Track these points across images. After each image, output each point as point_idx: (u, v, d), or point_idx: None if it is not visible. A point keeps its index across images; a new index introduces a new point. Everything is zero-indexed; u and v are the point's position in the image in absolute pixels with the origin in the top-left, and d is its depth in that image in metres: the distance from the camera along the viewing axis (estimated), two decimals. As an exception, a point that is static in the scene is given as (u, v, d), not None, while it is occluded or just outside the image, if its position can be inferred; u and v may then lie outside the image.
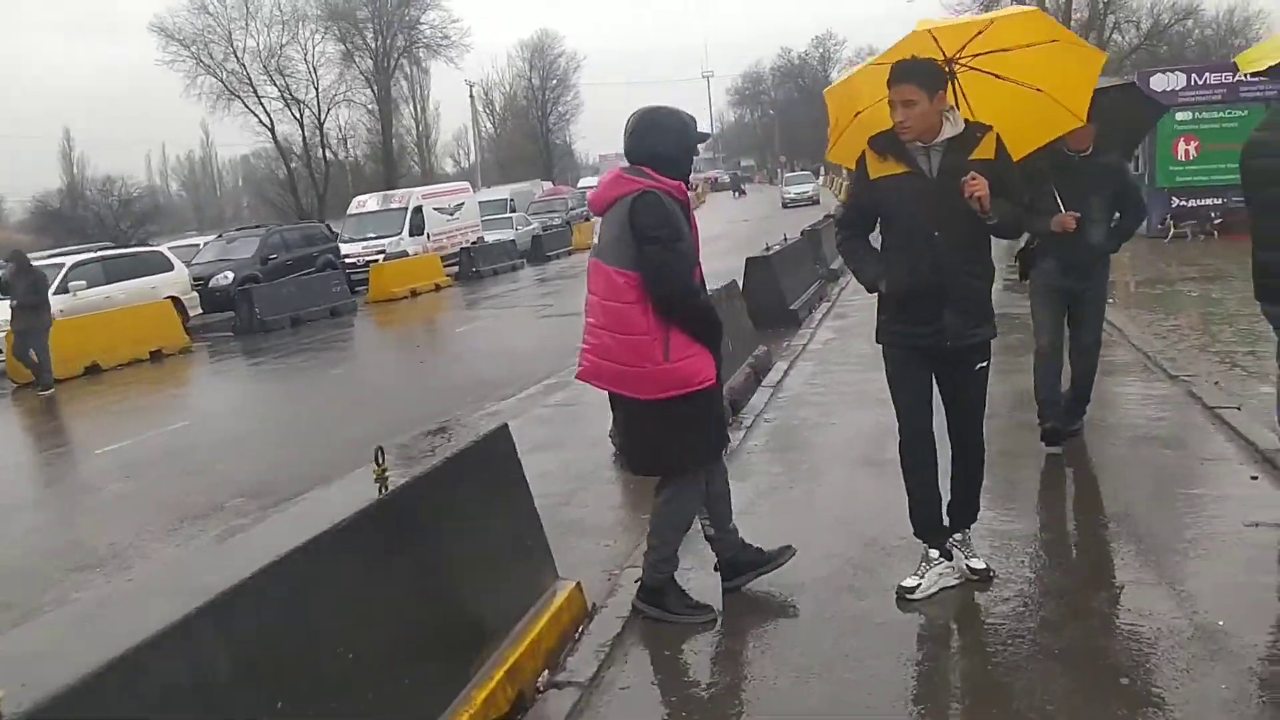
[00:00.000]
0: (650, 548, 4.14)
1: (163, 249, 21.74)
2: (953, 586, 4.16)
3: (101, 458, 9.25)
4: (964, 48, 4.41)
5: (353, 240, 26.80)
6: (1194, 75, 17.65)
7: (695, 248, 3.95)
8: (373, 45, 53.32)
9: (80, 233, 43.06)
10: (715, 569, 4.39)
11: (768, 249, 13.42)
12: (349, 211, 29.40)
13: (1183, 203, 17.66)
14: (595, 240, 3.96)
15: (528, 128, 72.27)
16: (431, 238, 27.90)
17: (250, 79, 46.93)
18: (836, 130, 4.56)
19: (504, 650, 3.66)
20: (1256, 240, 4.70)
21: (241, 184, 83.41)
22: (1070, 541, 4.70)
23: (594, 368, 3.95)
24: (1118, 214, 5.74)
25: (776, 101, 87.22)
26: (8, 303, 13.86)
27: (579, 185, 55.67)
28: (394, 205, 28.30)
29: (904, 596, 4.09)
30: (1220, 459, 5.54)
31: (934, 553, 4.20)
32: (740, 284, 10.97)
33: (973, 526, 4.37)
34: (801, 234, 16.42)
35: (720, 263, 16.65)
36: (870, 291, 4.17)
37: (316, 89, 49.49)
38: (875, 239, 4.18)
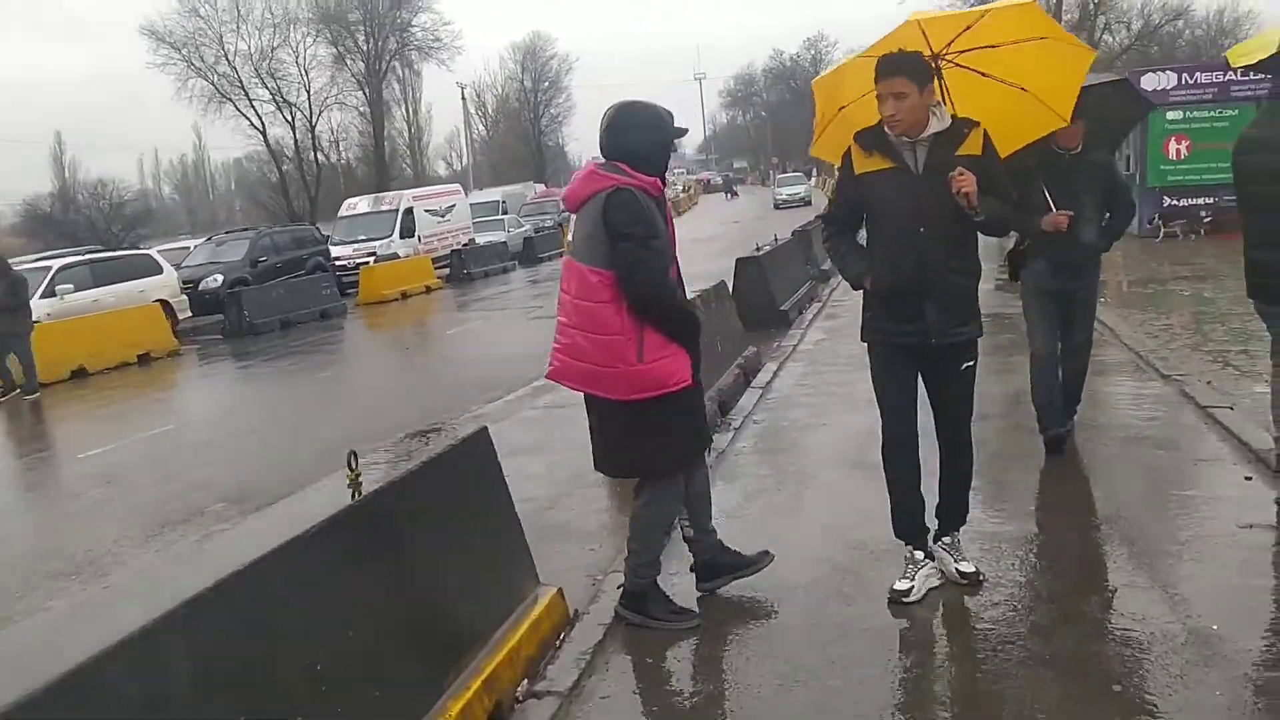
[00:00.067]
0: (631, 552, 4.05)
1: (151, 252, 21.62)
2: (937, 586, 4.10)
3: (83, 463, 9.13)
4: (951, 43, 4.33)
5: (343, 242, 26.71)
6: (1185, 75, 17.63)
7: (671, 245, 3.87)
8: (364, 48, 53.24)
9: (71, 236, 42.85)
10: (691, 569, 4.31)
11: (758, 249, 13.34)
12: (340, 214, 29.34)
13: (1174, 202, 17.64)
14: (570, 238, 3.87)
15: (520, 130, 72.18)
16: (422, 240, 27.83)
17: (242, 82, 46.85)
18: (821, 124, 4.48)
19: (481, 659, 3.56)
20: (1248, 238, 4.64)
21: (234, 187, 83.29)
22: (1061, 544, 4.61)
23: (564, 367, 3.86)
24: (1107, 213, 5.66)
25: (769, 103, 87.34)
26: None
27: (571, 187, 55.50)
28: (385, 207, 28.23)
29: (898, 600, 4.02)
30: (1213, 459, 5.48)
31: (919, 554, 4.14)
32: (730, 284, 10.91)
33: (962, 529, 4.29)
34: (792, 234, 16.36)
35: (712, 264, 16.61)
36: (855, 288, 4.10)
37: (308, 92, 49.45)
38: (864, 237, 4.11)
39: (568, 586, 4.39)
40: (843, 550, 4.62)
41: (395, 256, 25.77)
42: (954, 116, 3.89)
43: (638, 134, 3.81)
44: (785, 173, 59.80)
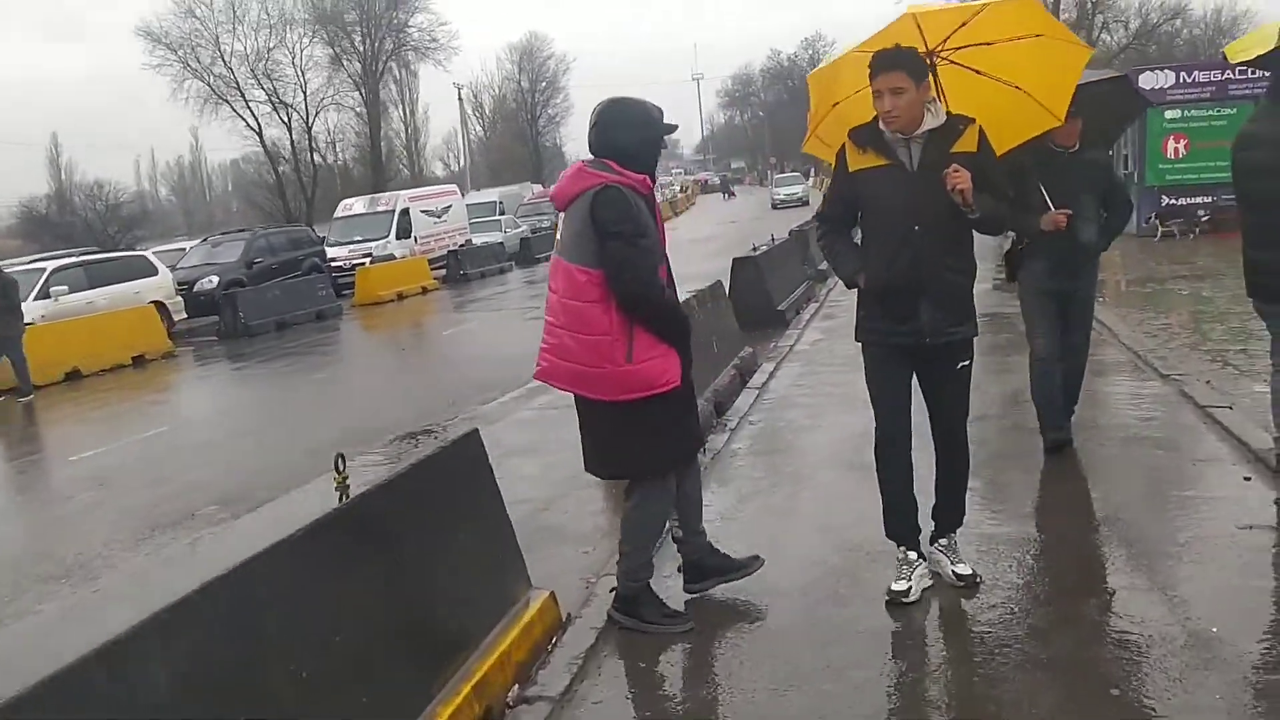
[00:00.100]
0: (622, 555, 4.00)
1: (147, 253, 21.60)
2: (931, 587, 4.07)
3: (75, 465, 9.08)
4: (947, 39, 4.28)
5: (339, 243, 26.67)
6: (1183, 73, 17.60)
7: (661, 244, 3.81)
8: (361, 49, 53.12)
9: (68, 238, 42.74)
10: (679, 570, 4.26)
11: (754, 249, 13.30)
12: (335, 215, 29.29)
13: (1173, 201, 17.61)
14: (558, 237, 3.82)
15: (517, 130, 72.09)
16: (419, 240, 27.78)
17: (238, 83, 46.71)
18: (814, 120, 4.43)
19: (471, 664, 3.51)
20: (1247, 237, 4.60)
21: (231, 188, 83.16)
22: (1059, 545, 4.57)
23: (552, 367, 3.81)
24: (1104, 213, 5.61)
25: (766, 103, 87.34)
26: None
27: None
28: (381, 208, 28.18)
29: (898, 601, 3.97)
30: (1213, 460, 5.43)
31: (911, 554, 4.10)
32: (727, 284, 10.86)
33: (959, 530, 4.25)
34: (790, 234, 16.31)
35: (709, 264, 16.57)
36: (849, 287, 4.05)
37: (304, 93, 49.33)
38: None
39: (561, 589, 4.34)
40: (839, 552, 4.57)
41: (391, 257, 25.72)
42: (949, 113, 3.84)
43: (626, 130, 3.75)
44: (783, 173, 59.74)
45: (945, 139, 3.76)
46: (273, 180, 50.11)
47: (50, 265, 18.19)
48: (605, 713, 3.50)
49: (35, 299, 16.51)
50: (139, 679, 2.32)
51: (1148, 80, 17.06)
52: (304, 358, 15.36)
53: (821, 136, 4.38)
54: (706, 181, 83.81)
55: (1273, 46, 4.31)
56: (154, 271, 19.24)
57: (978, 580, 4.08)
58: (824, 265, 15.88)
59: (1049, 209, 5.19)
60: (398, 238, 26.99)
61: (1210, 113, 17.05)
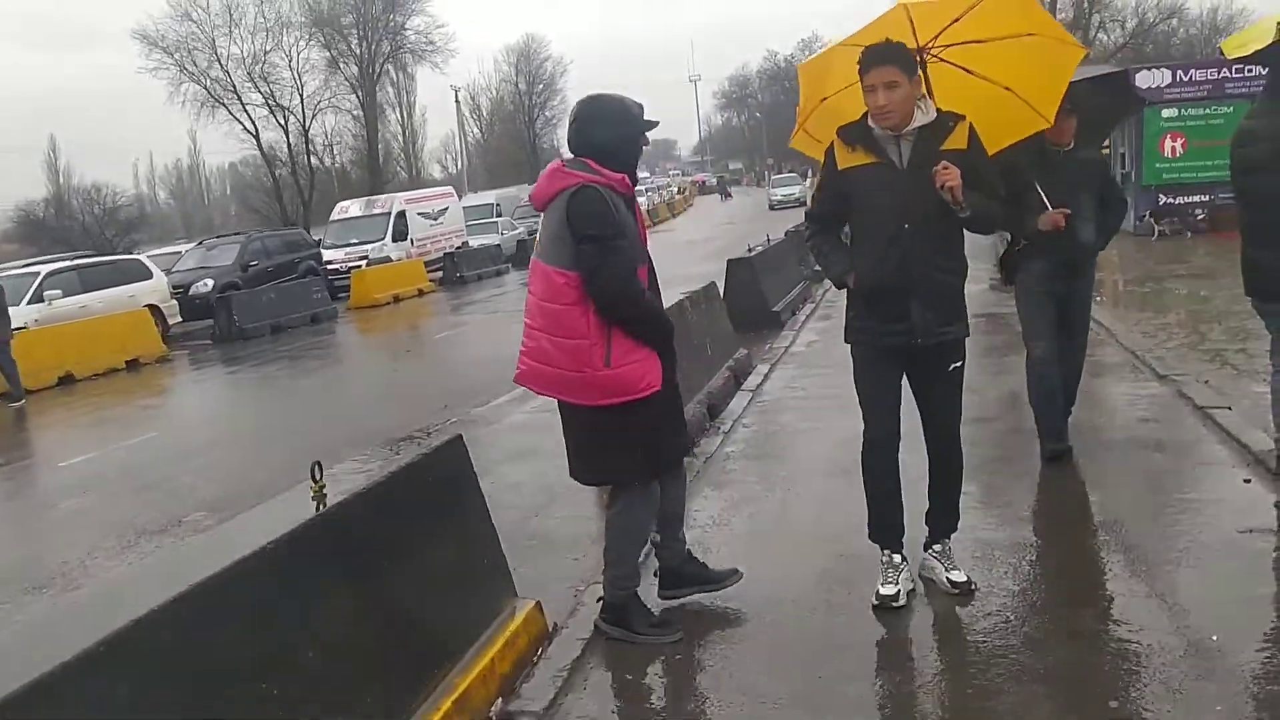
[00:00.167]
0: (607, 564, 3.91)
1: (141, 257, 21.53)
2: (924, 593, 4.01)
3: (64, 471, 8.98)
4: (937, 36, 4.20)
5: (335, 246, 26.59)
6: (1179, 72, 17.55)
7: (642, 246, 3.72)
8: (357, 51, 52.96)
9: (65, 242, 42.57)
10: (655, 574, 4.18)
11: (750, 250, 13.22)
12: (332, 217, 29.20)
13: (1170, 200, 17.55)
14: (537, 238, 3.74)
15: (515, 132, 71.94)
16: (415, 243, 27.69)
17: (235, 86, 46.49)
18: (802, 114, 4.34)
19: (453, 678, 3.42)
20: (1245, 235, 4.53)
21: (229, 191, 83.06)
22: (1056, 551, 4.49)
23: (531, 371, 3.72)
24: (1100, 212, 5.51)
25: (763, 104, 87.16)
26: None
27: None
28: (377, 210, 28.09)
29: (887, 605, 3.91)
30: (1212, 462, 5.35)
31: (896, 557, 4.03)
32: (722, 285, 10.78)
33: (953, 536, 4.16)
34: (786, 235, 16.23)
35: (706, 265, 16.50)
36: (839, 287, 3.97)
37: (301, 96, 49.09)
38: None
39: (548, 598, 4.25)
40: (832, 559, 4.48)
41: (387, 260, 25.64)
42: (939, 110, 3.76)
43: (604, 127, 3.66)
44: (780, 174, 59.60)
45: (935, 136, 3.68)
46: (270, 183, 49.98)
47: (44, 269, 18.12)
48: (590, 727, 3.42)
49: (29, 303, 16.44)
50: (99, 698, 2.23)
51: (1144, 79, 17.00)
52: (297, 361, 15.27)
53: (810, 131, 4.30)
54: (704, 183, 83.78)
55: (1271, 41, 4.24)
56: (148, 275, 19.16)
57: (973, 587, 4.00)
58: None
59: (1047, 209, 5.10)
60: (394, 240, 26.92)
61: (1207, 111, 17.00)
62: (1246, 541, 4.26)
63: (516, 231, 33.41)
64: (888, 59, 3.62)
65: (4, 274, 18.82)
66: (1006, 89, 4.27)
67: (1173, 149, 17.36)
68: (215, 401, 13.38)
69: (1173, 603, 3.77)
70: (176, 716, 2.39)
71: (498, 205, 38.31)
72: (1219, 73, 16.80)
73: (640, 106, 3.74)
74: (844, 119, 3.86)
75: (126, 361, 15.95)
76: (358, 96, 53.27)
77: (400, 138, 61.90)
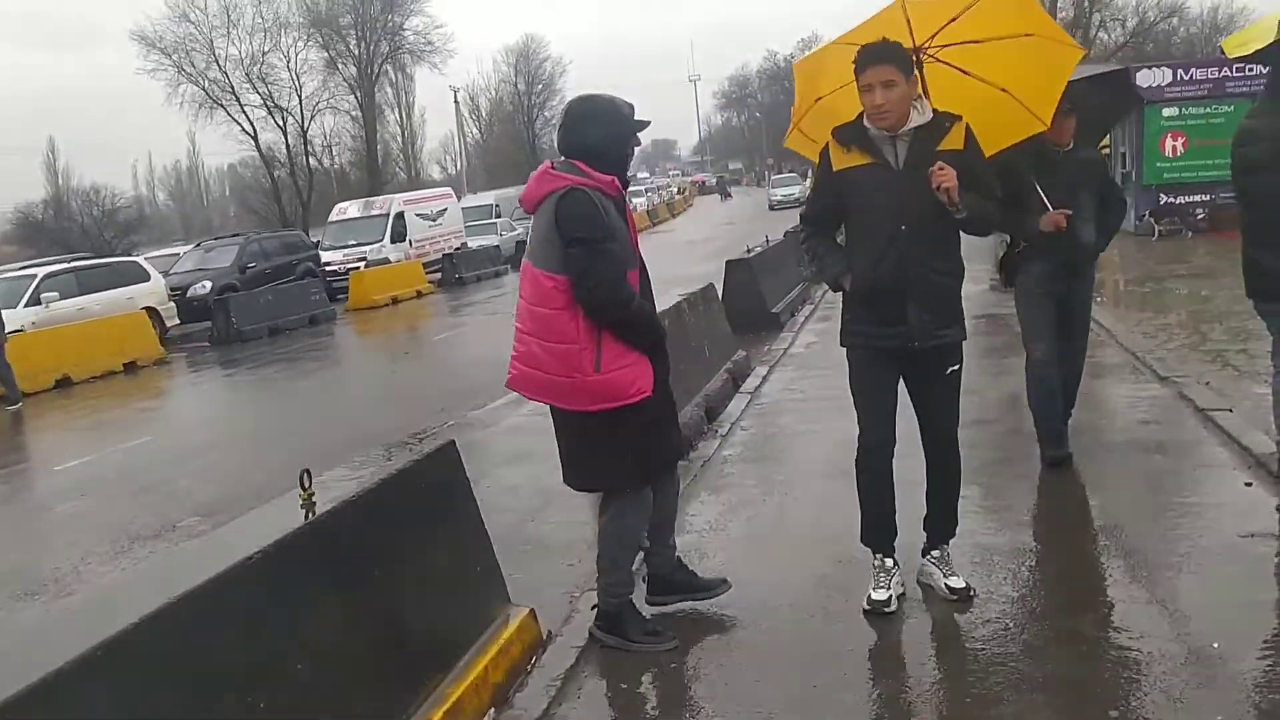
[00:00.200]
0: (600, 571, 3.87)
1: (139, 259, 21.48)
2: (902, 593, 3.99)
3: (60, 475, 8.95)
4: (934, 36, 4.14)
5: (333, 247, 26.53)
6: (1180, 71, 17.52)
7: (633, 249, 3.68)
8: (356, 52, 52.87)
9: (64, 244, 42.50)
10: (643, 580, 4.14)
11: (748, 251, 13.18)
12: (330, 218, 29.14)
13: (1171, 199, 17.52)
14: (528, 242, 3.69)
15: (514, 133, 71.80)
16: (414, 244, 27.64)
17: (233, 87, 46.41)
18: (797, 114, 4.29)
19: (444, 687, 3.38)
20: (1246, 235, 4.48)
21: (229, 193, 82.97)
22: (1056, 556, 4.44)
23: (522, 376, 3.67)
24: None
25: (763, 104, 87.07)
26: None
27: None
28: (375, 212, 28.04)
29: (879, 611, 3.87)
30: (1213, 465, 5.31)
31: (888, 561, 4.00)
32: (720, 286, 10.73)
33: (952, 541, 4.12)
34: (785, 235, 16.19)
35: (705, 265, 16.48)
36: (834, 290, 3.93)
37: (300, 96, 49.01)
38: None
39: (543, 604, 4.21)
40: (830, 564, 4.44)
41: (386, 261, 25.60)
42: (935, 110, 3.72)
43: (593, 126, 3.61)
44: (780, 174, 59.54)
45: (931, 136, 3.64)
46: (269, 185, 49.92)
47: (41, 271, 18.07)
48: (584, 737, 3.38)
49: (26, 305, 16.40)
50: (83, 713, 2.19)
51: (1145, 78, 16.97)
52: (295, 363, 15.23)
53: (804, 131, 4.25)
54: (704, 183, 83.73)
55: (1272, 40, 4.20)
56: (146, 277, 19.13)
57: (971, 594, 3.96)
58: (819, 266, 15.73)
59: (1048, 210, 5.05)
60: (392, 241, 26.87)
61: (1208, 110, 16.97)
62: (1247, 546, 4.22)
63: (515, 233, 33.34)
64: (885, 58, 3.58)
65: (1, 276, 18.79)
66: (1002, 90, 4.22)
67: (1173, 148, 17.33)
68: (213, 404, 13.35)
69: (1173, 609, 3.73)
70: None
71: (497, 206, 38.25)
72: (1220, 72, 16.76)
73: (631, 106, 3.70)
74: (839, 119, 3.81)
75: (124, 364, 15.91)
76: (356, 97, 53.19)
77: (399, 138, 61.83)
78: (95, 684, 2.22)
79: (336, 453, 7.68)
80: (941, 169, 3.50)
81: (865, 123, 3.70)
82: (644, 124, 3.70)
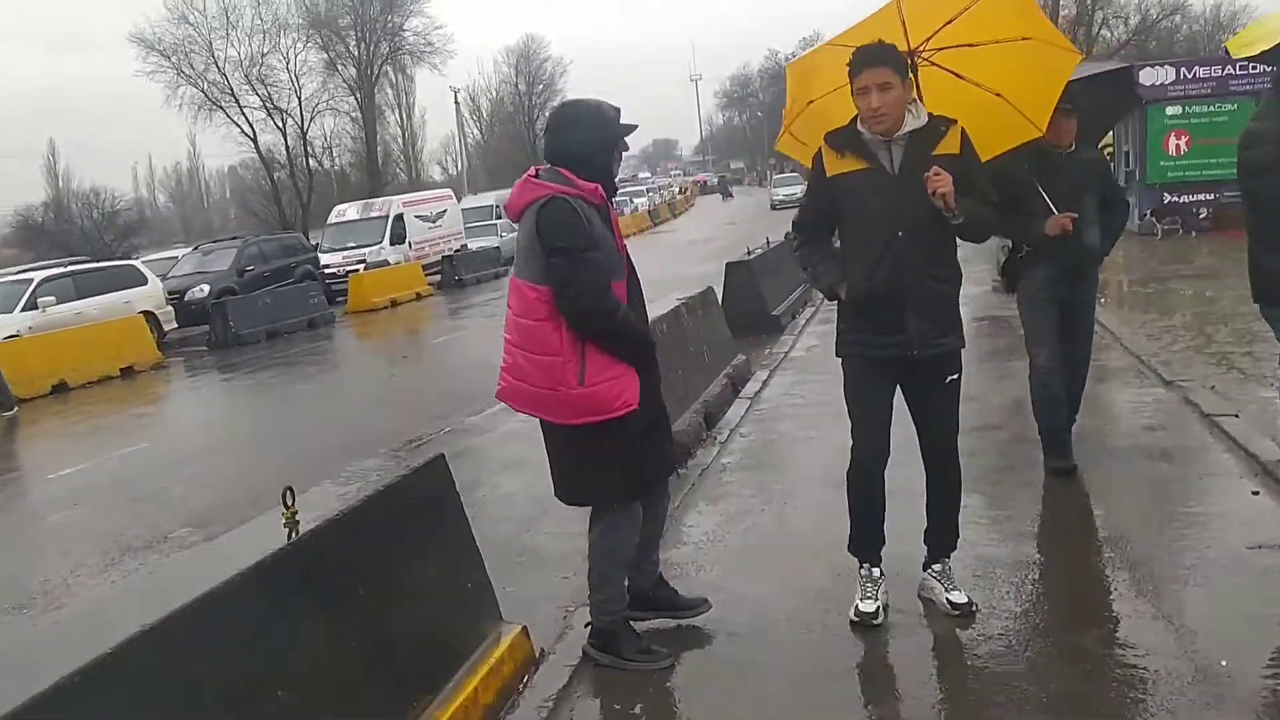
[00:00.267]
0: (592, 588, 3.78)
1: (136, 263, 21.42)
2: (887, 604, 3.93)
3: (53, 483, 8.87)
4: (929, 39, 4.05)
5: (332, 250, 26.47)
6: (1183, 69, 17.41)
7: (619, 258, 3.58)
8: (355, 53, 52.75)
9: (64, 246, 42.46)
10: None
11: (749, 252, 13.09)
12: (329, 221, 29.07)
13: (1174, 198, 17.42)
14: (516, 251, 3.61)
15: (515, 133, 71.72)
16: (413, 246, 27.57)
17: (232, 89, 46.29)
18: (788, 117, 4.19)
19: (433, 711, 3.29)
20: (1253, 238, 4.38)
21: (229, 195, 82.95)
22: (1059, 569, 4.35)
23: (510, 388, 3.59)
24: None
25: (765, 104, 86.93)
26: None
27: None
28: (374, 214, 27.97)
29: (867, 623, 3.81)
30: (1219, 473, 5.21)
31: (875, 571, 3.94)
32: (720, 289, 10.64)
33: (953, 554, 4.03)
34: (786, 236, 16.09)
35: (706, 266, 16.39)
36: (830, 299, 3.83)
37: (299, 98, 48.90)
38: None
39: (536, 620, 4.13)
40: (829, 577, 4.34)
41: (385, 263, 25.52)
42: (930, 114, 3.63)
43: (577, 131, 3.53)
44: (782, 173, 59.41)
45: (927, 141, 3.55)
46: (269, 187, 49.83)
47: (37, 276, 18.01)
48: (576, 760, 3.29)
49: (22, 310, 16.35)
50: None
51: (1148, 76, 16.87)
52: (293, 368, 15.16)
53: (796, 134, 4.15)
54: (705, 182, 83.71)
55: (1278, 40, 4.10)
56: (144, 281, 19.05)
57: (973, 609, 3.87)
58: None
59: (1052, 213, 4.96)
60: (392, 243, 26.80)
61: (1211, 109, 16.88)
62: (1255, 558, 4.13)
63: (515, 233, 33.27)
64: (881, 60, 3.50)
65: (-1, 282, 18.74)
66: (997, 95, 4.12)
67: (1177, 147, 17.24)
68: (210, 409, 13.28)
69: (1179, 624, 3.64)
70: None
71: (497, 207, 38.06)
72: (1223, 70, 16.66)
73: (617, 110, 3.60)
74: (832, 122, 3.73)
75: (121, 369, 15.86)
76: (356, 98, 53.07)
77: (399, 139, 61.71)
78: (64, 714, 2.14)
79: (334, 458, 7.61)
80: (937, 174, 3.41)
81: (859, 127, 3.61)
82: (630, 128, 3.61)
